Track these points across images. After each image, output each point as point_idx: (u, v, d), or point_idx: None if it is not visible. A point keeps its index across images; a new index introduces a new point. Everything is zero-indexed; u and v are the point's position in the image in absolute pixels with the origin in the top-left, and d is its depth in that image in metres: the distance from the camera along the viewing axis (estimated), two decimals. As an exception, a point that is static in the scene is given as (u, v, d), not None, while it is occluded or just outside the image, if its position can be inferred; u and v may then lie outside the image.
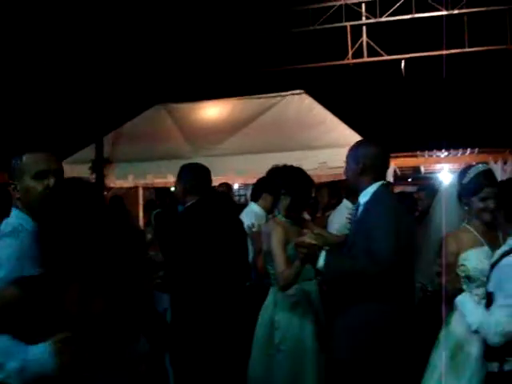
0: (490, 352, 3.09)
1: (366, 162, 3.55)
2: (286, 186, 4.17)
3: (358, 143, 3.78)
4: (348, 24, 13.48)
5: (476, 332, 3.08)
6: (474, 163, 14.26)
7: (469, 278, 3.41)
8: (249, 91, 11.13)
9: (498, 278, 3.01)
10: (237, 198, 12.15)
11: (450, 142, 15.80)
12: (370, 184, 3.55)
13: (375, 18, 13.32)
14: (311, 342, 3.97)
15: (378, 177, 3.59)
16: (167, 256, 4.41)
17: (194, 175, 4.41)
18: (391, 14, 13.19)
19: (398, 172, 16.23)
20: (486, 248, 3.46)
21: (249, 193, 11.94)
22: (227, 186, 7.64)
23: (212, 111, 10.75)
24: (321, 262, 3.38)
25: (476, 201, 3.50)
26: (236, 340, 4.13)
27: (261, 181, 5.80)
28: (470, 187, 3.55)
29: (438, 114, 18.59)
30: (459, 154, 16.54)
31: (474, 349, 3.28)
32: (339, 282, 3.62)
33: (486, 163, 14.62)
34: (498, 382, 3.05)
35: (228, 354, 4.07)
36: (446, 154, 16.67)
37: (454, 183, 3.70)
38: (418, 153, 16.59)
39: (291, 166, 4.47)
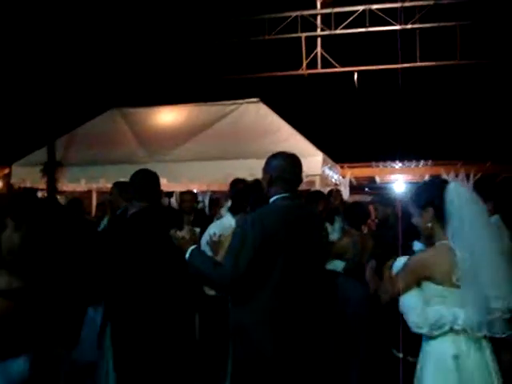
0: None
1: (274, 174, 3.63)
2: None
3: (271, 155, 3.79)
4: (303, 35, 13.68)
5: None
6: (426, 175, 14.58)
7: None
8: (205, 98, 11.17)
9: None
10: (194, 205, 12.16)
11: (404, 153, 16.14)
12: (274, 195, 3.62)
13: (330, 30, 13.55)
14: None
15: (285, 189, 3.62)
16: (109, 263, 4.27)
17: (143, 181, 4.35)
18: (346, 27, 13.44)
19: (354, 182, 16.53)
20: None
21: (206, 199, 12.01)
22: (194, 194, 7.67)
23: (168, 117, 10.74)
24: (186, 255, 3.59)
25: None
26: (179, 347, 4.11)
27: (241, 194, 5.45)
28: None
29: (392, 126, 18.92)
30: (413, 166, 16.93)
31: None
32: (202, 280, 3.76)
33: (439, 175, 15.06)
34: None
35: (169, 360, 4.06)
36: (400, 165, 17.04)
37: None
38: (373, 163, 16.91)
39: None
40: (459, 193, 3.23)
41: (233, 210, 5.33)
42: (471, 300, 3.00)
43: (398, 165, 17.23)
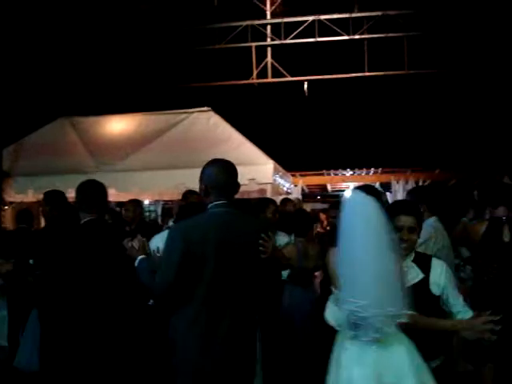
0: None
1: (207, 184, 3.63)
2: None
3: (205, 164, 3.76)
4: (253, 44, 13.75)
5: None
6: (377, 182, 14.79)
7: None
8: (155, 107, 11.10)
9: None
10: (147, 214, 12.07)
11: (354, 161, 16.34)
12: (210, 204, 3.62)
13: (280, 39, 13.65)
14: None
15: (220, 197, 3.61)
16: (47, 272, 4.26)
17: (90, 192, 4.28)
18: (295, 37, 13.57)
19: (306, 190, 16.67)
20: None
21: (159, 209, 11.92)
22: (137, 203, 7.60)
23: (117, 126, 10.62)
24: (135, 264, 3.79)
25: None
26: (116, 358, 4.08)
27: (186, 206, 5.46)
28: None
29: (342, 135, 19.17)
30: (363, 174, 17.18)
31: None
32: None
33: (389, 182, 15.39)
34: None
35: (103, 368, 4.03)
36: (351, 172, 17.28)
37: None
38: (325, 171, 17.09)
39: None
40: (353, 201, 3.27)
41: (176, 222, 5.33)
42: (343, 304, 3.15)
43: (348, 172, 17.47)
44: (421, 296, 3.41)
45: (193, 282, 3.41)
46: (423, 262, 3.60)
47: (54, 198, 6.01)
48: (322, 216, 11.58)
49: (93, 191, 4.30)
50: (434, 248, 5.12)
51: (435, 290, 3.53)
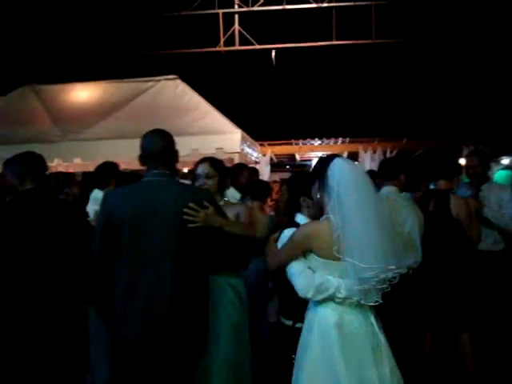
0: None
1: (142, 154, 3.78)
2: None
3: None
4: (220, 11, 13.60)
5: None
6: (345, 152, 14.94)
7: None
8: (121, 74, 10.91)
9: None
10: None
11: (323, 131, 16.38)
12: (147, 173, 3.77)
13: (247, 7, 13.51)
14: None
15: (153, 165, 3.73)
16: None
17: (26, 163, 4.09)
18: (263, 4, 13.44)
19: (275, 159, 16.69)
20: None
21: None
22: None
23: (82, 94, 10.43)
24: None
25: None
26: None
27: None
28: None
29: (310, 104, 19.16)
30: (332, 143, 17.24)
31: None
32: None
33: (357, 152, 15.50)
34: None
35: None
36: (319, 142, 17.32)
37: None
38: (293, 141, 17.11)
39: None
40: (341, 167, 3.27)
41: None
42: (349, 271, 3.16)
43: (317, 142, 17.50)
44: None
45: (116, 247, 3.59)
46: None
47: None
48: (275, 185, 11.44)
49: (31, 162, 4.11)
50: None
51: None
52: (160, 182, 3.70)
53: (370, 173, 5.35)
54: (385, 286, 3.17)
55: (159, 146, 3.76)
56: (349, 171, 3.26)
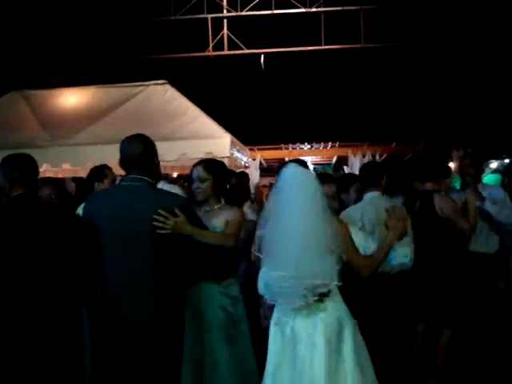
0: None
1: (120, 158, 3.86)
2: None
3: None
4: (209, 16, 13.60)
5: None
6: (334, 156, 14.99)
7: None
8: (110, 79, 10.89)
9: None
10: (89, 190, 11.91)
11: (312, 135, 16.40)
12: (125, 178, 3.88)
13: (236, 11, 13.53)
14: None
15: (130, 171, 3.80)
16: None
17: (17, 166, 4.00)
18: (252, 9, 13.46)
19: (264, 164, 16.68)
20: None
21: (117, 184, 11.73)
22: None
23: (71, 99, 10.39)
24: None
25: None
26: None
27: None
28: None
29: (300, 109, 19.18)
30: (321, 148, 17.28)
31: None
32: None
33: (346, 156, 15.53)
34: None
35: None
36: (308, 146, 17.35)
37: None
38: (283, 145, 17.12)
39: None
40: (288, 174, 3.35)
41: None
42: (265, 274, 3.30)
43: (306, 146, 17.54)
44: None
45: (95, 250, 3.67)
46: None
47: None
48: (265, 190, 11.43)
49: (22, 165, 4.03)
50: None
51: None
52: (136, 187, 3.73)
53: (351, 176, 5.44)
54: (306, 293, 3.19)
55: (135, 152, 3.79)
56: (289, 179, 3.32)
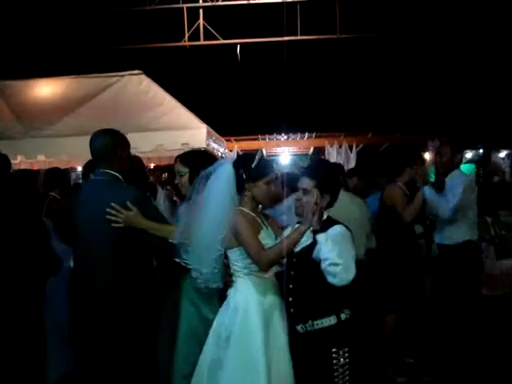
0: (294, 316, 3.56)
1: (90, 153, 4.02)
2: None
3: None
4: (185, 6, 13.52)
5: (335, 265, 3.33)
6: (311, 147, 15.12)
7: None
8: (85, 70, 10.77)
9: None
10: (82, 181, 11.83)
11: (289, 126, 16.43)
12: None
13: (212, 1, 13.47)
14: None
15: (99, 165, 3.98)
16: None
17: None
18: (228, -1, 13.42)
19: (241, 154, 16.67)
20: (267, 229, 3.79)
21: (92, 176, 11.61)
22: (59, 171, 7.44)
23: (46, 90, 10.26)
24: None
25: (261, 184, 3.73)
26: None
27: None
28: (258, 171, 3.74)
29: (276, 99, 19.18)
30: (298, 138, 17.33)
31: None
32: None
33: (323, 147, 15.60)
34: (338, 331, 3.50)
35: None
36: (285, 137, 17.40)
37: (229, 167, 3.81)
38: (260, 136, 17.14)
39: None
40: (218, 168, 3.72)
41: None
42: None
43: (283, 137, 17.57)
44: (304, 261, 3.56)
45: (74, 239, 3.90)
46: (324, 227, 3.51)
47: None
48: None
49: None
50: None
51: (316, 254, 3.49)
52: (100, 181, 3.89)
53: (336, 166, 5.48)
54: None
55: (100, 147, 3.91)
56: (219, 173, 3.73)
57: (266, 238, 3.67)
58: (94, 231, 3.77)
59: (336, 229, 3.52)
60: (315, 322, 3.52)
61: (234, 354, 3.52)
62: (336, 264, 3.29)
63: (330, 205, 3.69)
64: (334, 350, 3.44)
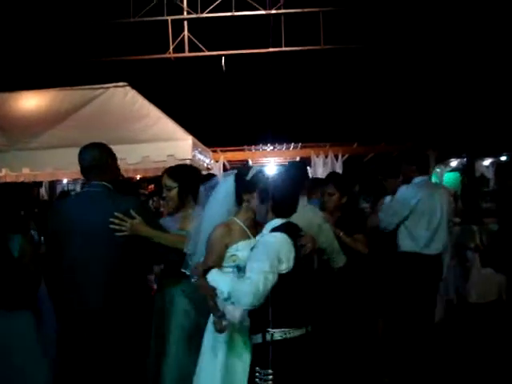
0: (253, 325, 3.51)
1: (79, 166, 4.10)
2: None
3: None
4: (169, 18, 13.55)
5: (227, 299, 3.28)
6: (297, 157, 15.22)
7: (238, 268, 3.67)
8: (70, 82, 10.75)
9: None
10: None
11: (275, 136, 16.47)
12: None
13: (196, 13, 13.50)
14: None
15: (90, 177, 4.02)
16: None
17: None
18: (212, 11, 13.44)
19: (228, 165, 16.70)
20: (252, 239, 3.72)
21: (78, 188, 11.60)
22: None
23: (31, 102, 10.21)
24: None
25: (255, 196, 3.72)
26: None
27: None
28: (253, 183, 3.76)
29: (261, 110, 19.19)
30: (284, 149, 17.38)
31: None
32: None
33: (309, 157, 15.66)
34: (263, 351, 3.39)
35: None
36: (271, 148, 17.44)
37: (231, 179, 3.92)
38: (246, 147, 17.17)
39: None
40: (222, 179, 3.93)
41: None
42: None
43: (269, 148, 17.61)
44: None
45: (60, 253, 3.85)
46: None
47: None
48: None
49: None
50: None
51: None
52: (93, 193, 3.89)
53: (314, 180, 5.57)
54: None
55: (89, 159, 3.96)
56: (219, 184, 4.01)
57: (242, 250, 3.69)
58: (92, 244, 3.75)
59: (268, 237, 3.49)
60: (252, 337, 3.58)
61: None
62: (225, 299, 3.30)
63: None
64: (257, 368, 3.40)
